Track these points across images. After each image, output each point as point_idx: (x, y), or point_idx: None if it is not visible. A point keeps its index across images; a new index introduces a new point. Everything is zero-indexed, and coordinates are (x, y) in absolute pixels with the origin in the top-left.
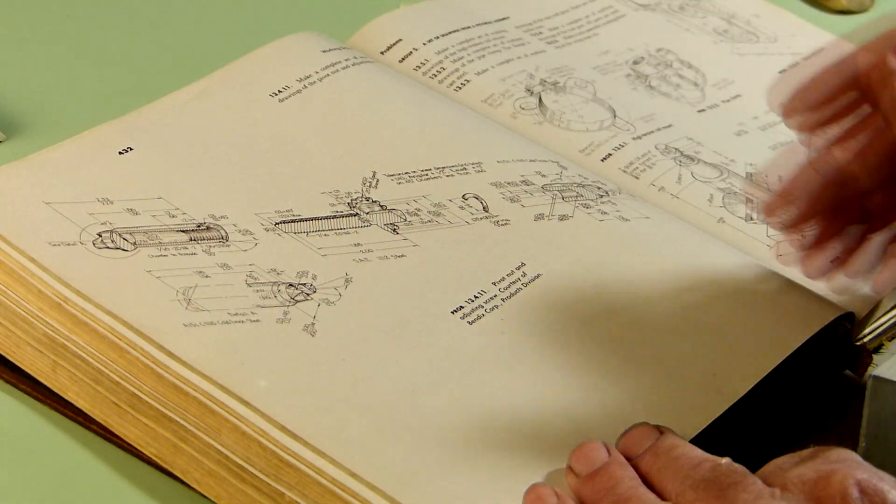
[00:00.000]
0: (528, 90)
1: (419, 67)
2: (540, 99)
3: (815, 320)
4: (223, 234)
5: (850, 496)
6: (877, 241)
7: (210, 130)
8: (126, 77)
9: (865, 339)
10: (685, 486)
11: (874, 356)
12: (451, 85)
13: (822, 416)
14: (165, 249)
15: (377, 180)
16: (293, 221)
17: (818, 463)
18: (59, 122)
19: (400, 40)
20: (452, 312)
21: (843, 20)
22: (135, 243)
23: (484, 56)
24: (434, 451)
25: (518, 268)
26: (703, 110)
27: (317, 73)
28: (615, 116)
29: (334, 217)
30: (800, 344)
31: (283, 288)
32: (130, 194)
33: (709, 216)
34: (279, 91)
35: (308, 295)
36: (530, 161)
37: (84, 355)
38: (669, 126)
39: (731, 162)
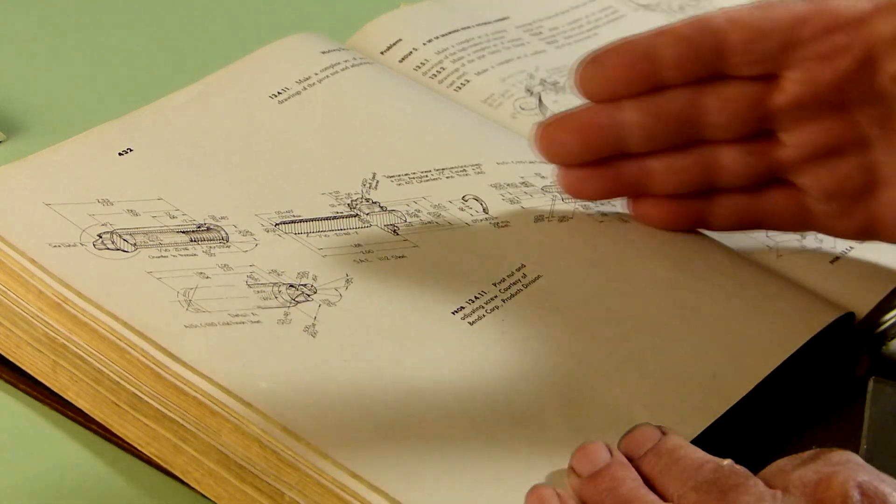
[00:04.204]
0: (528, 90)
1: (419, 67)
2: (540, 99)
3: (815, 321)
4: (223, 234)
5: (852, 498)
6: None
7: (210, 131)
8: (126, 77)
9: (865, 340)
10: (687, 488)
11: (874, 356)
12: (450, 85)
13: (824, 416)
14: (166, 250)
15: (377, 182)
16: (293, 222)
17: (819, 465)
18: (59, 122)
19: (400, 40)
20: (453, 313)
21: None
22: (135, 244)
23: (484, 56)
24: (435, 451)
25: (518, 269)
26: None
27: (316, 74)
28: None
29: (335, 218)
30: (800, 345)
31: (283, 289)
32: (130, 195)
33: None
34: (279, 93)
35: (309, 296)
36: (530, 162)
37: (84, 355)
38: None
39: None
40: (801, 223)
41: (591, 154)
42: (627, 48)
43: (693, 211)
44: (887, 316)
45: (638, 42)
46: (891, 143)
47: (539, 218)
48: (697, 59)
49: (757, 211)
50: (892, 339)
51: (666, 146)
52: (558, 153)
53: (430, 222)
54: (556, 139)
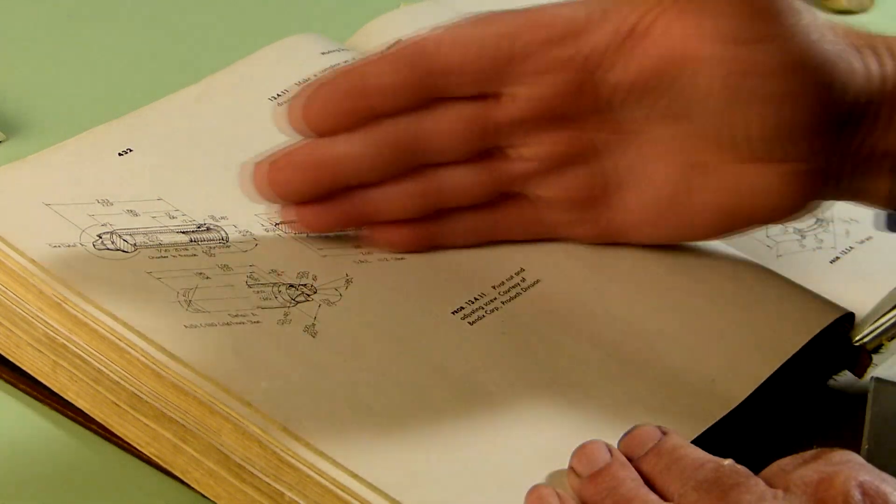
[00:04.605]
0: None
1: None
2: None
3: (814, 322)
4: (223, 235)
5: (853, 498)
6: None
7: (210, 132)
8: (126, 77)
9: (865, 340)
10: (688, 487)
11: (874, 357)
12: None
13: (825, 416)
14: (166, 251)
15: None
16: (294, 222)
17: (820, 464)
18: (59, 122)
19: (400, 41)
20: (453, 313)
21: (843, 20)
22: (135, 244)
23: None
24: (435, 451)
25: (517, 273)
26: None
27: (316, 76)
28: None
29: None
30: (800, 346)
31: (283, 289)
32: (130, 195)
33: None
34: (279, 94)
35: (308, 296)
36: None
37: (84, 355)
38: None
39: None
40: (541, 233)
41: (317, 190)
42: (339, 82)
43: (429, 232)
44: (887, 316)
45: (349, 73)
46: (620, 148)
47: None
48: (410, 86)
49: (495, 225)
50: (892, 339)
51: (391, 174)
52: (283, 193)
53: None
54: (278, 179)
